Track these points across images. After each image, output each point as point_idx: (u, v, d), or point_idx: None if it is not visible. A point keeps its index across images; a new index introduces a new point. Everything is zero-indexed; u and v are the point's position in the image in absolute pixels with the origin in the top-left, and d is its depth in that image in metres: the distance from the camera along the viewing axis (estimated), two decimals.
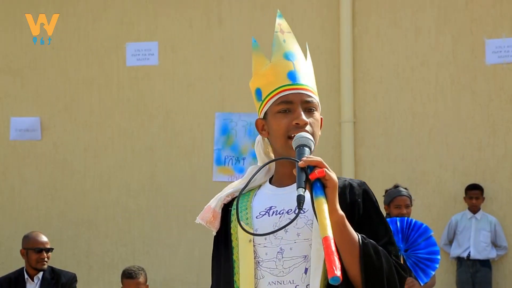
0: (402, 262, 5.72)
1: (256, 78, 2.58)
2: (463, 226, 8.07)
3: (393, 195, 6.21)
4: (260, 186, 2.57)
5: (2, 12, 8.15)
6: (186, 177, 8.17)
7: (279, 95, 2.49)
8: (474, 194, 8.03)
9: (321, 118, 2.57)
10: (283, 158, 2.45)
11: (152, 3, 8.48)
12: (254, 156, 8.54)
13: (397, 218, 5.95)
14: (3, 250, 8.26)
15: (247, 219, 2.48)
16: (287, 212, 2.40)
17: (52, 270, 6.95)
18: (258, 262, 2.41)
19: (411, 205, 6.30)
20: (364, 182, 2.54)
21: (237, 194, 2.48)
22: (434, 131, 8.14)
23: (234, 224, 2.50)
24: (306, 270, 2.38)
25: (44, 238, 6.93)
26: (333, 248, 2.13)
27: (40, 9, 8.53)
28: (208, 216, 2.55)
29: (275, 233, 2.35)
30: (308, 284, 2.36)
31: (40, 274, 6.88)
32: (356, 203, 2.44)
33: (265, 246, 2.42)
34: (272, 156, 2.57)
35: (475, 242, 8.05)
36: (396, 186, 6.35)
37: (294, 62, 2.53)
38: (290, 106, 2.48)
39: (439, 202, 8.11)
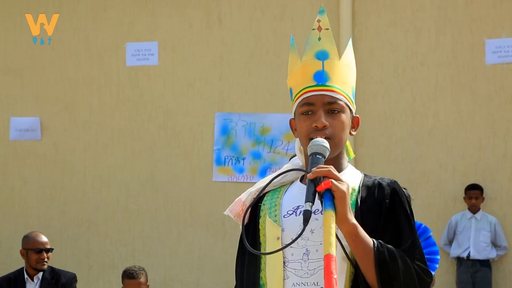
0: None
1: (289, 77, 2.58)
2: (463, 226, 8.07)
3: None
4: (292, 182, 2.56)
5: (2, 12, 8.15)
6: (186, 177, 8.17)
7: (302, 96, 2.49)
8: (473, 194, 8.03)
9: (356, 118, 2.54)
10: (293, 170, 2.48)
11: (152, 3, 8.48)
12: (254, 156, 8.55)
13: None
14: (3, 250, 8.26)
15: (275, 216, 2.46)
16: (314, 213, 2.35)
17: (52, 270, 6.95)
18: (284, 262, 2.39)
19: None
20: (395, 181, 2.49)
21: (269, 188, 2.51)
22: (434, 131, 8.14)
23: (262, 219, 2.48)
24: None
25: (44, 238, 6.93)
26: (333, 268, 2.14)
27: (40, 9, 8.53)
28: (237, 209, 2.54)
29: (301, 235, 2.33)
30: None
31: (40, 274, 6.88)
32: (383, 203, 2.41)
33: (291, 247, 2.37)
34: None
35: (475, 242, 8.05)
36: None
37: (325, 62, 2.50)
38: (312, 108, 2.46)
39: (439, 202, 8.11)
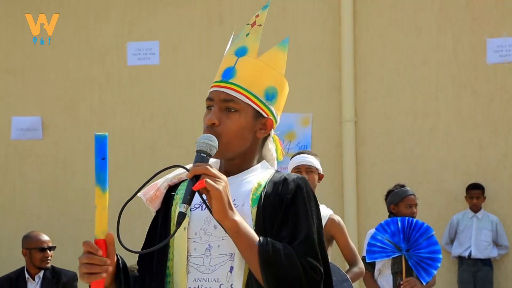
0: (403, 262, 5.72)
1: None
2: (464, 225, 8.08)
3: (403, 194, 6.21)
4: None
5: (3, 12, 8.18)
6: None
7: (209, 90, 2.45)
8: (475, 193, 8.04)
9: (269, 120, 2.41)
10: (174, 166, 2.41)
11: (153, 2, 8.50)
12: None
13: (398, 218, 5.97)
14: (4, 250, 8.29)
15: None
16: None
17: (53, 269, 6.97)
18: (187, 257, 2.33)
19: None
20: (302, 177, 2.39)
21: (184, 177, 2.44)
22: (435, 130, 8.15)
23: (173, 208, 2.41)
24: (231, 269, 2.29)
25: (45, 237, 6.95)
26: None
27: (41, 9, 8.55)
28: (151, 193, 2.47)
29: (204, 229, 2.30)
30: (233, 284, 2.27)
31: (41, 273, 6.89)
32: (285, 198, 2.31)
33: (194, 242, 2.33)
34: None
35: (476, 241, 8.06)
36: (401, 186, 6.35)
37: (240, 59, 2.42)
38: (212, 103, 2.40)
39: (440, 201, 8.12)
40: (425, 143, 8.15)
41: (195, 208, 2.37)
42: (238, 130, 2.37)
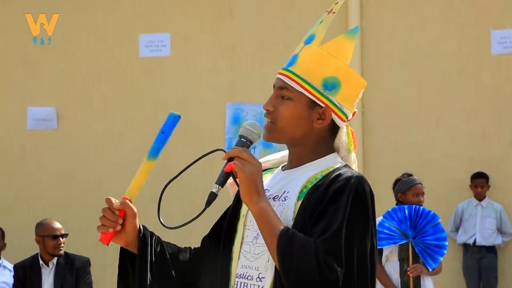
0: (410, 249, 5.81)
1: None
2: (469, 213, 8.12)
3: (410, 183, 6.26)
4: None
5: (18, 7, 8.20)
6: (198, 166, 8.12)
7: None
8: (479, 182, 8.08)
9: (327, 111, 2.31)
10: (216, 150, 2.39)
11: None
12: (264, 145, 8.59)
13: (405, 205, 6.04)
14: (20, 237, 8.25)
15: None
16: (273, 199, 2.27)
17: (66, 255, 7.05)
18: (241, 244, 2.32)
19: None
20: (360, 176, 2.26)
21: (268, 167, 2.44)
22: (440, 120, 8.18)
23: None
24: (269, 259, 2.22)
25: (58, 225, 7.04)
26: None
27: (50, 4, 8.62)
28: (232, 181, 2.37)
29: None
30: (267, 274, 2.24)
31: (55, 260, 6.97)
32: (329, 195, 2.19)
33: (248, 229, 2.31)
34: None
35: (481, 229, 8.10)
36: (409, 175, 6.40)
37: (305, 46, 2.35)
38: (273, 90, 2.36)
39: (446, 190, 8.16)
40: (430, 133, 8.18)
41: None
42: (291, 117, 2.29)
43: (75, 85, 8.61)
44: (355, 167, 2.42)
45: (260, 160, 2.39)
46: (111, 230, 2.31)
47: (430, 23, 8.23)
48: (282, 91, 2.31)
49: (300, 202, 2.23)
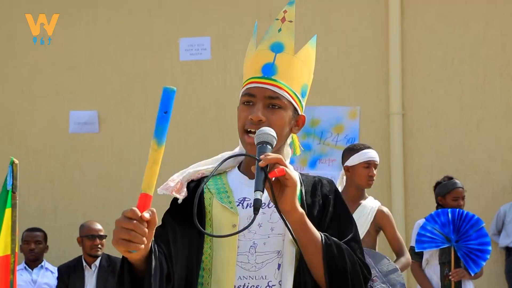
0: (452, 253, 5.78)
1: (244, 63, 2.48)
2: None
3: (451, 187, 6.22)
4: (227, 171, 2.48)
5: (62, 10, 8.30)
6: None
7: (247, 86, 2.39)
8: None
9: (301, 117, 2.42)
10: (243, 155, 2.37)
11: None
12: (304, 148, 8.61)
13: (449, 209, 6.00)
14: (64, 239, 8.35)
15: (230, 202, 2.35)
16: (261, 207, 2.19)
17: (108, 257, 7.14)
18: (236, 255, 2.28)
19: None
20: (332, 180, 2.46)
21: (207, 174, 2.42)
22: (483, 122, 8.13)
23: (208, 202, 2.37)
24: (279, 266, 2.27)
25: (97, 226, 7.13)
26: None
27: (97, 5, 8.72)
28: (172, 185, 2.39)
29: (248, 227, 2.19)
30: (281, 280, 2.26)
31: (97, 262, 7.07)
32: (327, 200, 2.36)
33: (238, 240, 2.29)
34: None
35: None
36: (450, 178, 6.35)
37: (278, 55, 2.38)
38: (253, 99, 2.35)
39: (488, 192, 8.10)
40: (472, 135, 8.13)
41: (237, 205, 2.34)
42: (282, 126, 2.35)
43: (116, 88, 8.68)
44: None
45: (193, 169, 2.45)
46: (142, 246, 1.99)
47: (473, 24, 8.18)
48: (272, 100, 2.35)
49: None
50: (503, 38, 8.14)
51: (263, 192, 2.12)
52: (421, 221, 6.15)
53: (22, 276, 7.26)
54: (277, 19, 2.44)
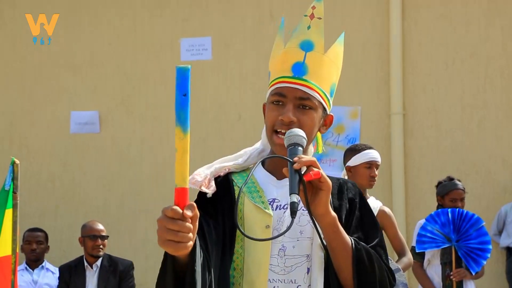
0: (453, 253, 5.77)
1: (271, 60, 2.44)
2: None
3: (449, 188, 6.21)
4: (250, 166, 2.44)
5: (63, 10, 8.30)
6: None
7: (276, 85, 2.35)
8: None
9: (329, 117, 2.40)
10: (278, 157, 2.27)
11: None
12: None
13: (449, 209, 6.00)
14: (64, 239, 8.36)
15: (263, 202, 2.30)
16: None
17: (110, 258, 7.14)
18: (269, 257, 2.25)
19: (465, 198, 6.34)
20: (355, 183, 2.44)
21: (232, 170, 2.40)
22: (484, 122, 8.12)
23: (240, 201, 2.30)
24: (308, 270, 2.24)
25: (99, 226, 7.13)
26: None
27: (98, 6, 8.72)
28: (199, 180, 2.35)
29: (278, 229, 2.22)
30: (310, 285, 2.24)
31: (99, 262, 7.07)
32: (354, 203, 2.34)
33: (272, 242, 2.26)
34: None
35: None
36: (451, 179, 6.34)
37: (308, 54, 2.33)
38: (283, 99, 2.32)
39: (489, 192, 8.09)
40: (473, 135, 8.13)
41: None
42: (312, 127, 2.32)
43: (117, 89, 8.68)
44: None
45: (219, 164, 2.41)
46: (190, 243, 1.85)
47: (474, 24, 8.18)
48: (303, 101, 2.31)
49: None
50: (504, 38, 8.14)
51: (299, 194, 2.07)
52: (422, 221, 6.15)
53: (23, 276, 7.26)
54: (306, 16, 2.37)
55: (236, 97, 8.45)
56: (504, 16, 8.16)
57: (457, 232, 5.89)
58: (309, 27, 2.36)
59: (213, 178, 2.38)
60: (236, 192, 2.32)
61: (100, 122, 8.62)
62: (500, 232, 8.12)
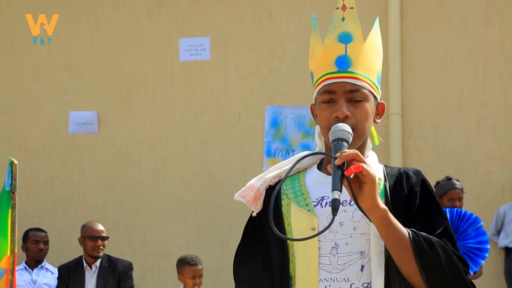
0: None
1: (311, 60, 2.38)
2: (511, 217, 8.07)
3: (447, 187, 6.21)
4: (306, 169, 2.39)
5: (62, 10, 8.30)
6: (237, 169, 8.17)
7: (323, 83, 2.29)
8: None
9: (381, 105, 2.37)
10: (317, 153, 2.30)
11: None
12: (303, 148, 8.59)
13: (447, 208, 6.00)
14: (64, 239, 8.34)
15: (307, 205, 2.27)
16: (342, 204, 2.19)
17: (109, 258, 7.14)
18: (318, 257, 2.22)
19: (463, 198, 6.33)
20: (419, 171, 2.36)
21: (283, 176, 2.31)
22: (482, 122, 8.12)
23: (286, 208, 2.30)
24: (362, 268, 2.19)
25: (100, 227, 7.13)
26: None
27: (97, 6, 8.72)
28: (250, 195, 2.35)
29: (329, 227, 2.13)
30: (365, 283, 2.18)
31: (98, 262, 7.07)
32: (414, 192, 2.27)
33: (319, 241, 2.22)
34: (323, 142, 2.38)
35: None
36: (449, 179, 6.34)
37: (348, 45, 2.29)
38: (333, 96, 2.27)
39: (487, 192, 8.08)
40: (472, 135, 8.12)
41: (315, 206, 2.27)
42: (368, 119, 2.29)
43: (116, 89, 8.67)
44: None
45: (271, 173, 2.37)
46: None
47: (472, 24, 8.18)
48: (353, 94, 2.27)
49: (383, 201, 2.19)
50: (503, 38, 8.14)
51: (341, 191, 2.03)
52: None
53: (22, 276, 7.26)
54: (338, 8, 2.34)
55: (235, 97, 8.46)
56: (502, 16, 8.16)
57: (455, 231, 5.89)
58: (343, 19, 2.32)
59: (264, 192, 2.35)
60: (284, 202, 2.31)
61: (98, 122, 8.61)
62: (498, 232, 8.12)
